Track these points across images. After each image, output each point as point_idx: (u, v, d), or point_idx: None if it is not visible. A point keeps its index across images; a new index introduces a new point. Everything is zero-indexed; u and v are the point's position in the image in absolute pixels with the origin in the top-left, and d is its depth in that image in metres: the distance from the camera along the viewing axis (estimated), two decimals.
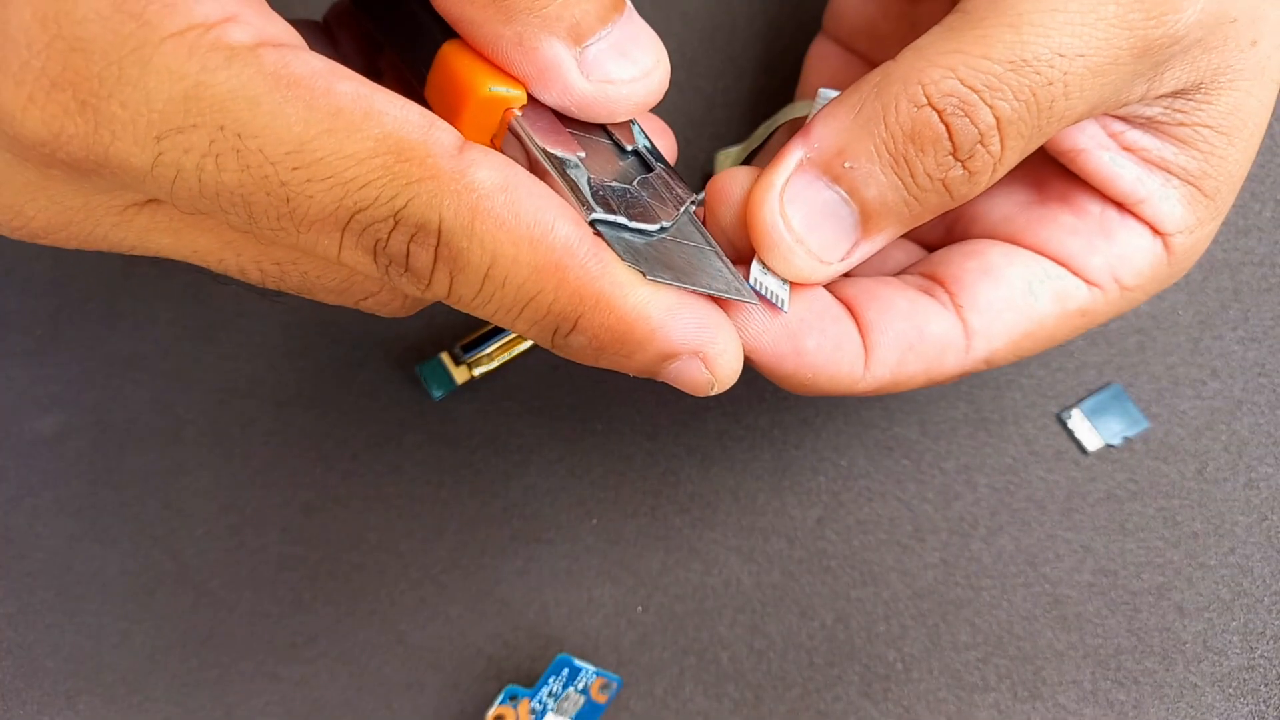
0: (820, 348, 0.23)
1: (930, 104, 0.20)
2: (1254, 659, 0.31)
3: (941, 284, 0.25)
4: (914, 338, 0.24)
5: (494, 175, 0.18)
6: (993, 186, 0.23)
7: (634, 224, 0.20)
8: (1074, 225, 0.25)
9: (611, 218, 0.20)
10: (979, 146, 0.21)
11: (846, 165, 0.21)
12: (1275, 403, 0.33)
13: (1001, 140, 0.21)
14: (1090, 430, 0.33)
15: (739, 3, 0.35)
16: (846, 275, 0.25)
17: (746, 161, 0.33)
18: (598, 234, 0.20)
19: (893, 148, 0.21)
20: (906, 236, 0.28)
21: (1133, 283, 0.25)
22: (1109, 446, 0.33)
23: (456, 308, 0.20)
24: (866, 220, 0.22)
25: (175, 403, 0.34)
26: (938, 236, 0.28)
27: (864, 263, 0.27)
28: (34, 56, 0.16)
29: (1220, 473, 0.32)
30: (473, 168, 0.18)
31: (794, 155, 0.22)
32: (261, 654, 0.32)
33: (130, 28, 0.16)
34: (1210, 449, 0.32)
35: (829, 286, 0.24)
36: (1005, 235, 0.26)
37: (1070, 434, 0.33)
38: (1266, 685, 0.31)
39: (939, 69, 0.20)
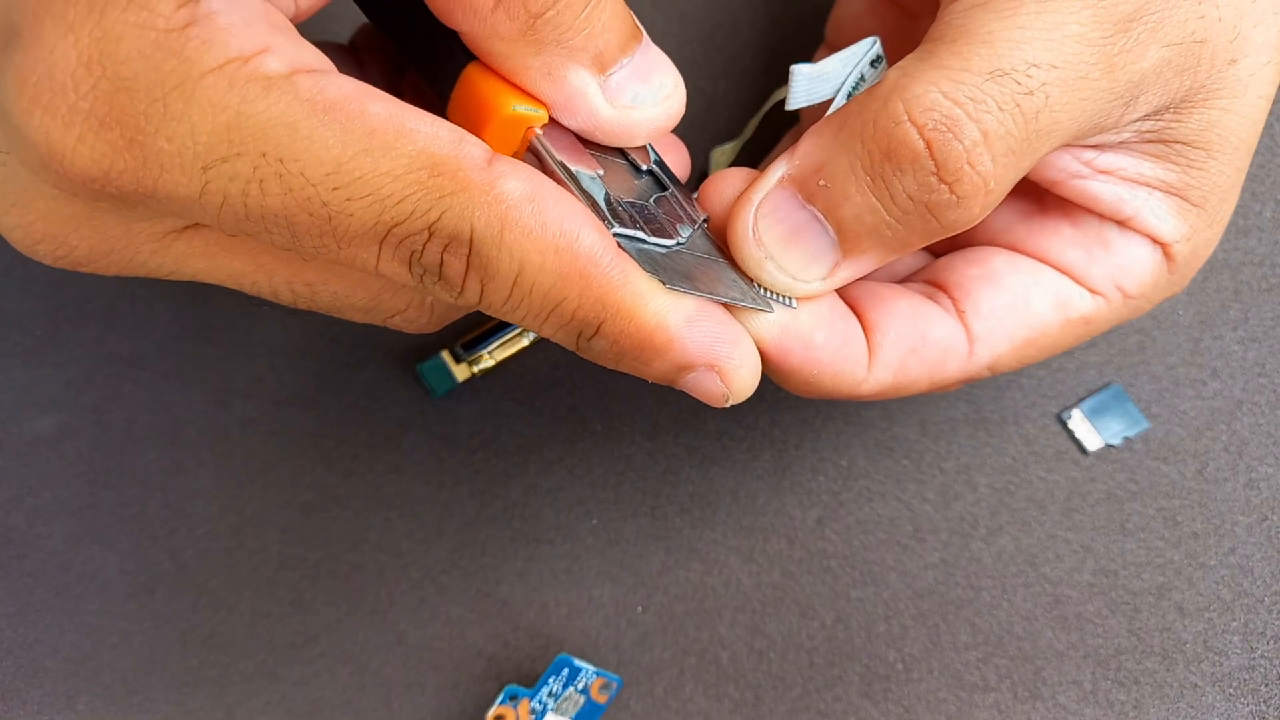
0: (827, 344, 0.23)
1: (911, 119, 0.20)
2: (1254, 659, 0.31)
3: (944, 290, 0.25)
4: (917, 340, 0.24)
5: (522, 186, 0.19)
6: None
7: (652, 239, 0.21)
8: (1074, 236, 0.25)
9: (631, 232, 0.20)
10: (966, 167, 0.20)
11: (821, 184, 0.21)
12: (1275, 403, 0.33)
13: (992, 157, 0.20)
14: (1090, 430, 0.33)
15: (739, 4, 0.35)
16: None
17: (740, 156, 0.33)
18: (620, 247, 0.20)
19: (869, 166, 0.20)
20: None
21: (1136, 291, 0.25)
22: (1109, 446, 0.33)
23: (487, 313, 0.20)
24: (844, 241, 0.21)
25: (175, 403, 0.34)
26: (943, 244, 0.27)
27: None
28: (81, 98, 0.17)
29: (1220, 473, 0.32)
30: (501, 179, 0.19)
31: (776, 171, 0.22)
32: (261, 654, 0.32)
33: (172, 65, 0.17)
34: (1210, 449, 0.32)
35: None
36: (1006, 243, 0.26)
37: (1070, 434, 0.33)
38: (1267, 685, 0.31)
39: (920, 84, 0.20)
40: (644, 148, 0.23)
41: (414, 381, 0.33)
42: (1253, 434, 0.32)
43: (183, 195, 0.18)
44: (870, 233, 0.21)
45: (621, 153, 0.23)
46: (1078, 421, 0.33)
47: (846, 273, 0.22)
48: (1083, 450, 0.33)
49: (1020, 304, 0.24)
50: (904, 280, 0.26)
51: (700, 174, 0.34)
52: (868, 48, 0.23)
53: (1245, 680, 0.31)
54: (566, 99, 0.21)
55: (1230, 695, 0.31)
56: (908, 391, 0.24)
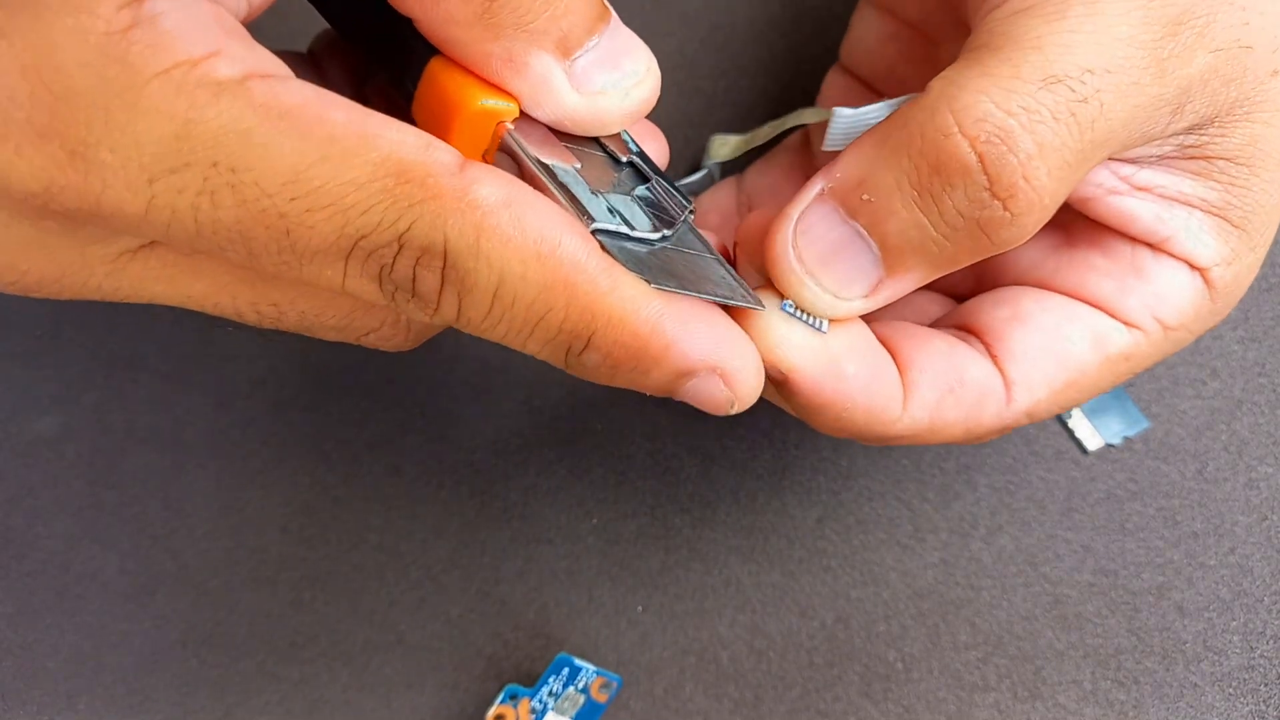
0: (859, 375, 0.22)
1: (962, 131, 0.19)
2: (1254, 659, 0.31)
3: (975, 334, 0.24)
4: (954, 381, 0.23)
5: (497, 191, 0.18)
6: None
7: (636, 233, 0.20)
8: (1105, 267, 0.24)
9: (613, 227, 0.19)
10: (1021, 181, 0.19)
11: (865, 198, 0.20)
12: (1275, 403, 0.33)
13: (1048, 170, 0.19)
14: (1090, 430, 0.33)
15: (738, 3, 0.35)
16: (881, 317, 0.24)
17: (746, 159, 0.33)
18: (600, 245, 0.19)
19: (916, 181, 0.19)
20: (935, 288, 0.27)
21: (1175, 322, 0.23)
22: (1109, 446, 0.33)
23: (466, 331, 0.19)
24: (888, 258, 0.21)
25: (175, 403, 0.34)
26: (968, 286, 0.27)
27: (889, 310, 0.26)
28: (17, 108, 0.16)
29: (1220, 473, 0.32)
30: (475, 185, 0.18)
31: (815, 186, 0.21)
32: (261, 654, 0.32)
33: (114, 71, 0.16)
34: (1210, 449, 0.32)
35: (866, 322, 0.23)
36: (1035, 281, 0.25)
37: (1070, 434, 0.33)
38: (1266, 685, 0.31)
39: (970, 94, 0.19)
40: (620, 137, 0.22)
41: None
42: (1253, 434, 0.32)
43: (129, 211, 0.17)
44: (916, 250, 0.20)
45: (599, 144, 0.22)
46: (1078, 421, 0.33)
47: (890, 291, 0.21)
48: (1083, 450, 0.33)
49: (1055, 345, 0.23)
50: (931, 325, 0.26)
51: (694, 163, 0.34)
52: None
53: (1245, 680, 0.31)
54: (531, 88, 0.20)
55: (1230, 695, 0.31)
56: (941, 436, 0.23)
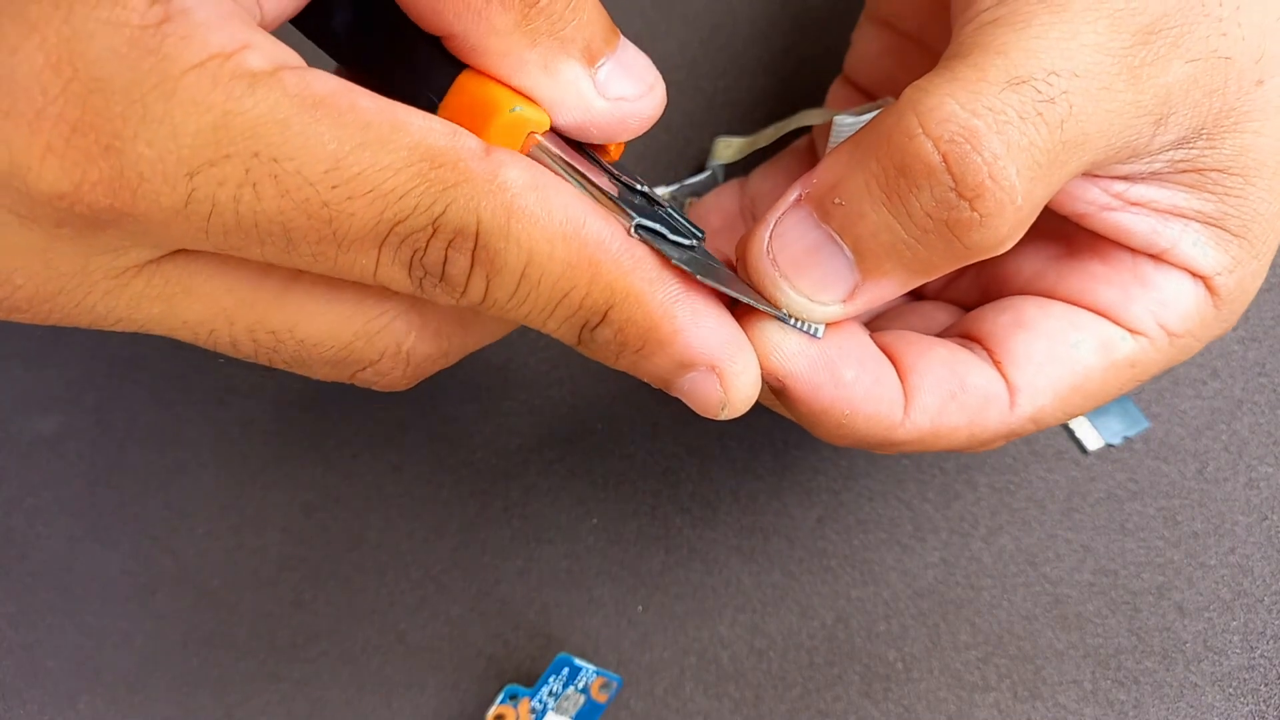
0: (859, 379, 0.22)
1: (926, 132, 0.19)
2: (1254, 659, 0.31)
3: (978, 341, 0.24)
4: (955, 386, 0.23)
5: (523, 175, 0.18)
6: (1018, 244, 0.21)
7: (673, 235, 0.21)
8: (1107, 275, 0.24)
9: (654, 225, 0.20)
10: (988, 181, 0.19)
11: (837, 202, 0.20)
12: (1275, 403, 0.33)
13: (1017, 169, 0.19)
14: (1090, 430, 0.33)
15: (739, 3, 0.35)
16: (882, 328, 0.24)
17: (751, 161, 0.33)
18: (644, 241, 0.20)
19: (883, 183, 0.20)
20: (945, 299, 0.28)
21: (1181, 328, 0.23)
22: (1109, 446, 0.33)
23: (489, 312, 0.20)
24: (862, 262, 0.21)
25: (175, 403, 0.34)
26: (975, 299, 0.27)
27: (899, 321, 0.26)
28: (50, 102, 0.16)
29: (1220, 473, 0.32)
30: (503, 168, 0.18)
31: (793, 192, 0.21)
32: (261, 654, 0.32)
33: (149, 63, 0.16)
34: (1210, 449, 0.32)
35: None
36: (1039, 291, 0.25)
37: (1070, 434, 0.33)
38: (1266, 685, 0.31)
39: (936, 96, 0.19)
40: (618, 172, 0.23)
41: None
42: (1253, 434, 0.32)
43: (165, 205, 0.17)
44: (889, 253, 0.20)
45: (609, 172, 0.22)
46: (1078, 421, 0.33)
47: (868, 296, 0.21)
48: (1083, 450, 0.33)
49: (1059, 350, 0.23)
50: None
51: (697, 164, 0.34)
52: None
53: (1245, 680, 0.31)
54: (562, 92, 0.20)
55: (1230, 695, 0.31)
56: (946, 442, 0.23)
